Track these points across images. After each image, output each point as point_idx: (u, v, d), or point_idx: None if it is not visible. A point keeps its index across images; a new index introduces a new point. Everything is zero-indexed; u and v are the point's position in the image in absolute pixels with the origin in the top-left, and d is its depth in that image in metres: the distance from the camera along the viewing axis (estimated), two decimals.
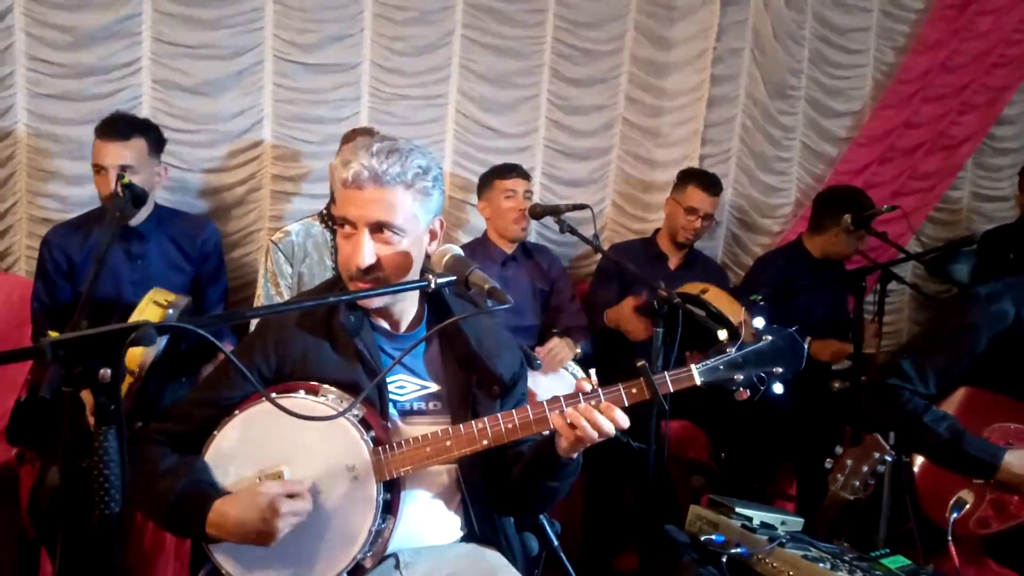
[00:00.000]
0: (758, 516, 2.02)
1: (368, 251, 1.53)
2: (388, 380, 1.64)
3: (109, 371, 1.08)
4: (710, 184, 3.49)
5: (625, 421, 1.50)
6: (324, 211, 2.99)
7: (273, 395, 1.55)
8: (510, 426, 1.53)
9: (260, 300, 2.93)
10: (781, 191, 4.17)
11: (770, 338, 1.60)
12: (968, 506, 2.05)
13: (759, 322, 1.61)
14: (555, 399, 1.53)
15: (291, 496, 1.47)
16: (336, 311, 1.63)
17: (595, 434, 1.48)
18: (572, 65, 3.77)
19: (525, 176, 3.32)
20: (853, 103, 4.24)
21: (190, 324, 1.14)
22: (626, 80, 3.86)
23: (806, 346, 3.41)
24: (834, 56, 4.17)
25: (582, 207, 2.97)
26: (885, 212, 3.26)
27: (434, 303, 1.71)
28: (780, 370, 1.60)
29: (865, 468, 2.00)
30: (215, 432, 1.57)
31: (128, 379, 2.26)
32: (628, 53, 3.84)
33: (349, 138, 3.00)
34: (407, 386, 1.67)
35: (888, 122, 4.20)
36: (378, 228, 1.54)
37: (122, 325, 1.05)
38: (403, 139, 1.59)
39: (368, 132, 2.98)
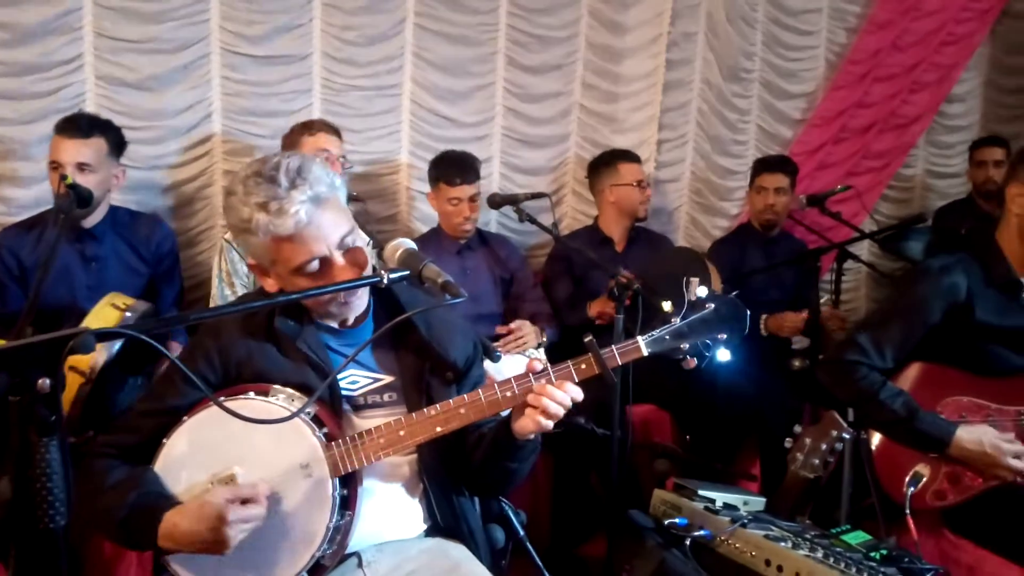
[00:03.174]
0: (721, 497, 2.05)
1: (357, 262, 1.54)
2: (339, 376, 1.62)
3: (48, 381, 1.04)
4: (630, 155, 3.61)
5: (579, 393, 1.51)
6: None
7: (221, 399, 1.52)
8: (463, 411, 1.52)
9: (215, 300, 2.88)
10: (738, 174, 4.19)
11: (712, 305, 1.61)
12: (924, 480, 2.09)
13: (702, 291, 1.62)
14: (506, 381, 1.53)
15: (244, 502, 1.44)
16: (273, 316, 1.61)
17: (557, 409, 1.48)
18: (527, 52, 3.75)
19: (473, 179, 3.25)
20: (807, 84, 4.28)
21: (132, 330, 1.11)
22: (582, 66, 3.85)
23: (762, 324, 3.48)
24: (787, 38, 4.20)
25: (540, 196, 2.96)
26: (840, 192, 3.32)
27: (381, 294, 1.69)
28: (724, 336, 1.61)
29: (824, 446, 2.03)
30: (164, 440, 1.55)
31: (79, 380, 2.20)
32: (583, 39, 3.83)
33: (292, 140, 2.93)
34: (359, 380, 1.65)
35: (841, 103, 4.25)
36: (343, 245, 1.53)
37: (58, 333, 1.01)
38: (275, 159, 1.52)
39: (307, 125, 2.93)
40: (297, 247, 1.49)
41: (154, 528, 1.44)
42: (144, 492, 1.49)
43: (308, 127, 2.98)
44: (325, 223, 1.49)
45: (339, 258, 1.52)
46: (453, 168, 3.24)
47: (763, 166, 3.72)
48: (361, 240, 1.57)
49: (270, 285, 1.59)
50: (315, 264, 1.51)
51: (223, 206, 1.57)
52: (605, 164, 3.58)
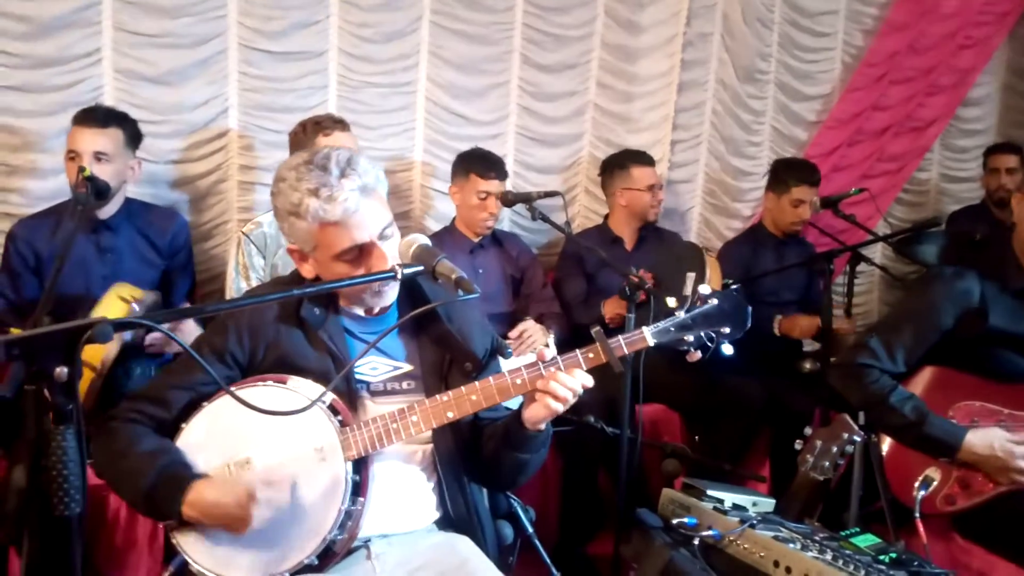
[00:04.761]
0: (730, 498, 2.04)
1: (392, 254, 1.57)
2: (359, 363, 1.65)
3: (65, 370, 1.06)
4: (644, 157, 3.58)
5: (589, 380, 1.54)
6: None
7: (240, 388, 1.54)
8: (474, 398, 1.55)
9: (230, 293, 2.90)
10: (752, 175, 4.18)
11: (715, 301, 1.64)
12: (935, 484, 2.08)
13: (705, 288, 1.65)
14: (517, 370, 1.55)
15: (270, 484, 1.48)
16: (302, 303, 1.64)
17: (566, 393, 1.51)
18: (542, 51, 3.75)
19: (503, 176, 3.29)
20: (822, 86, 4.27)
21: (148, 320, 1.12)
22: (596, 66, 3.85)
23: (776, 324, 3.46)
24: (803, 39, 4.19)
25: (553, 194, 2.96)
26: (853, 195, 3.31)
27: (405, 285, 1.71)
28: (728, 330, 1.64)
29: (834, 449, 2.02)
30: (183, 425, 1.59)
31: (91, 375, 2.23)
32: (598, 38, 3.83)
33: (305, 141, 2.90)
34: (379, 367, 1.68)
35: (856, 105, 4.23)
36: (385, 236, 1.57)
37: (76, 322, 1.02)
38: (325, 150, 1.59)
39: (319, 124, 2.91)
40: (342, 232, 1.54)
41: (181, 494, 1.48)
42: (173, 460, 1.53)
43: (320, 126, 2.90)
44: (370, 212, 1.55)
45: (378, 247, 1.56)
46: (486, 162, 3.26)
47: (803, 177, 3.55)
48: (397, 234, 1.62)
49: (307, 271, 1.65)
50: (356, 251, 1.56)
51: (271, 192, 1.63)
52: (618, 166, 3.57)
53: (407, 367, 1.69)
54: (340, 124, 2.95)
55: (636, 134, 3.95)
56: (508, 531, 1.93)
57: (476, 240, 3.34)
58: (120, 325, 1.11)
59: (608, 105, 3.90)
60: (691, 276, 2.88)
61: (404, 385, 1.68)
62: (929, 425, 2.08)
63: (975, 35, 4.37)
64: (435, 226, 3.59)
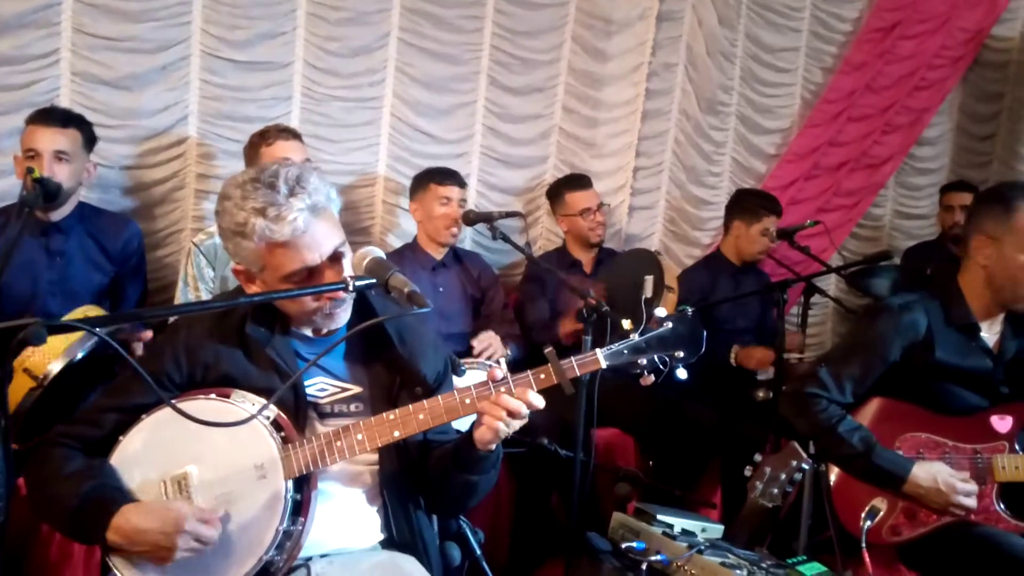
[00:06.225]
0: (679, 523, 2.04)
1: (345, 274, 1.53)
2: (307, 383, 1.61)
3: None
4: (579, 182, 3.61)
5: (539, 401, 1.51)
6: None
7: (177, 401, 1.50)
8: (422, 417, 1.52)
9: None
10: (712, 204, 4.24)
11: (671, 324, 1.61)
12: (881, 514, 2.10)
13: (661, 311, 1.63)
14: (466, 389, 1.52)
15: (201, 521, 1.43)
16: (246, 321, 1.60)
17: (510, 419, 1.48)
18: (509, 73, 3.77)
19: (461, 184, 3.30)
20: (782, 121, 4.36)
21: (86, 325, 1.09)
22: (563, 90, 3.89)
23: (733, 355, 3.49)
24: (764, 74, 4.28)
25: (515, 215, 2.97)
26: (808, 227, 3.36)
27: (357, 306, 1.68)
28: (682, 354, 1.62)
29: (783, 476, 2.02)
30: (121, 437, 1.53)
31: (30, 383, 2.15)
32: (565, 64, 3.87)
33: (251, 154, 2.85)
34: (328, 388, 1.64)
35: (814, 140, 4.33)
36: (336, 257, 1.53)
37: (6, 324, 0.99)
38: (273, 167, 1.53)
39: (263, 134, 2.87)
40: (290, 254, 1.49)
41: (106, 520, 1.42)
42: (100, 484, 1.48)
43: (264, 136, 2.86)
44: (320, 233, 1.50)
45: (328, 269, 1.52)
46: (443, 171, 3.28)
47: (772, 208, 3.63)
48: (350, 253, 1.58)
49: (253, 292, 1.58)
50: (304, 273, 1.51)
51: (216, 210, 1.56)
52: (555, 195, 3.64)
53: (355, 389, 1.66)
54: (284, 133, 2.87)
55: (600, 159, 3.99)
56: (456, 553, 1.90)
57: (439, 257, 3.32)
58: (55, 328, 1.07)
59: (573, 129, 3.93)
60: (648, 279, 2.87)
61: (352, 407, 1.64)
62: (877, 456, 2.10)
63: (930, 77, 4.50)
64: (396, 243, 3.56)
